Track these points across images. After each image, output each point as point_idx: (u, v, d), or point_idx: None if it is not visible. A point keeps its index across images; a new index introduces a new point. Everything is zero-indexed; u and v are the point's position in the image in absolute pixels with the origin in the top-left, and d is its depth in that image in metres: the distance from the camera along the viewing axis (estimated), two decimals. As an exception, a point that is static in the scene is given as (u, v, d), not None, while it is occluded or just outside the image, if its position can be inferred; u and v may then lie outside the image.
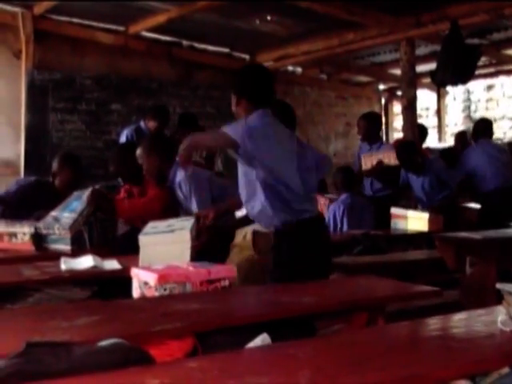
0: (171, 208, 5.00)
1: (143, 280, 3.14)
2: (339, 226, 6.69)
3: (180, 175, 4.90)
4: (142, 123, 7.07)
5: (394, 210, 6.70)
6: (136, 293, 3.22)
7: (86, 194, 4.94)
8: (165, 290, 3.04)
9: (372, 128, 7.54)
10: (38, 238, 4.63)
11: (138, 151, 4.99)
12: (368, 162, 7.31)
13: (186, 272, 3.17)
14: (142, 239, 3.96)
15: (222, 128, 3.68)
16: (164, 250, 3.79)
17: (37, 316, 2.69)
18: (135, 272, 3.24)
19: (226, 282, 3.17)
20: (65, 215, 4.72)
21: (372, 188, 7.46)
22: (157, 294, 3.03)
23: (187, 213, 5.01)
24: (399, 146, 7.28)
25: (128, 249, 4.38)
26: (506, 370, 2.07)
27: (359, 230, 6.26)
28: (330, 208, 6.88)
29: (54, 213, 4.81)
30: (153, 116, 6.79)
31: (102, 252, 4.27)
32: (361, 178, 7.39)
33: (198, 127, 6.96)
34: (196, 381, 1.81)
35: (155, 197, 5.09)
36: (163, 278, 3.05)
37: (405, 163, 6.97)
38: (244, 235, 4.44)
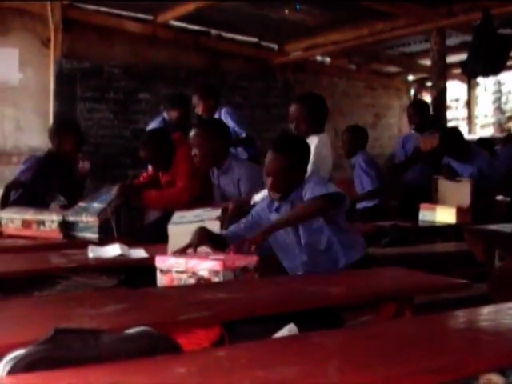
0: (201, 199, 4.99)
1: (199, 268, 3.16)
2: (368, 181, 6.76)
3: (240, 171, 4.86)
4: (164, 114, 7.03)
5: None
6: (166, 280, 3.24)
7: (115, 188, 4.98)
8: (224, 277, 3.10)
9: (423, 116, 7.45)
10: (66, 226, 4.65)
11: (194, 135, 4.96)
12: (428, 144, 7.17)
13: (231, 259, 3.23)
14: (172, 229, 3.97)
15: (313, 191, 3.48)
16: None
17: (64, 303, 2.70)
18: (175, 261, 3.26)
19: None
20: (94, 205, 4.75)
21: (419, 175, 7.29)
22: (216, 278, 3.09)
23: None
24: (445, 131, 7.16)
25: (157, 237, 4.39)
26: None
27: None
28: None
29: (82, 203, 4.85)
30: (173, 105, 6.72)
31: (129, 241, 4.28)
32: (407, 166, 7.24)
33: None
34: (224, 370, 1.80)
35: (184, 188, 5.07)
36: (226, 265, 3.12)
37: (449, 149, 6.84)
38: None
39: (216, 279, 3.10)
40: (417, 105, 7.76)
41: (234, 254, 3.29)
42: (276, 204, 3.67)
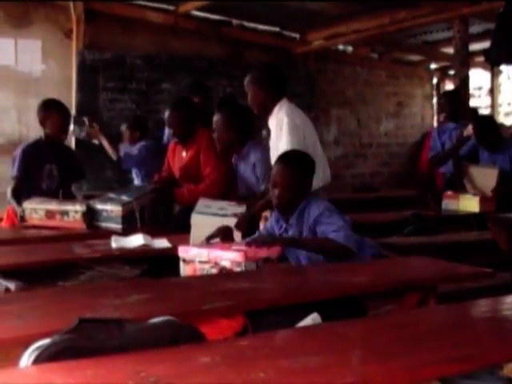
0: (227, 194, 5.00)
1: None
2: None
3: (255, 155, 4.88)
4: None
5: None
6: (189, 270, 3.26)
7: (147, 186, 5.03)
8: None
9: (456, 105, 7.40)
10: (90, 215, 4.68)
11: (217, 119, 4.98)
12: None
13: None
14: (195, 218, 3.98)
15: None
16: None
17: (88, 293, 2.72)
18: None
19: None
20: (121, 197, 4.77)
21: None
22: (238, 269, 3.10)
23: (248, 190, 5.03)
24: (478, 119, 7.10)
25: (180, 227, 4.40)
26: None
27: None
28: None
29: (111, 194, 4.88)
30: (193, 93, 6.68)
31: (153, 231, 4.29)
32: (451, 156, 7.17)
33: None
34: (247, 359, 1.81)
35: (214, 181, 5.06)
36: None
37: (481, 138, 6.77)
38: None
39: (238, 270, 3.11)
40: (449, 94, 7.70)
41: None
42: (283, 226, 3.67)
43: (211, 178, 5.07)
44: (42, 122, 5.46)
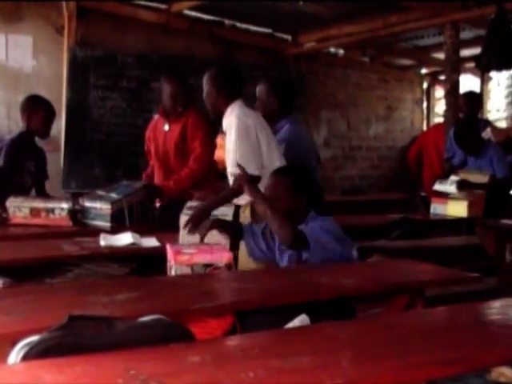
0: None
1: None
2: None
3: (280, 135, 4.78)
4: None
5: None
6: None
7: (136, 184, 5.00)
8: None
9: (474, 107, 7.43)
10: (79, 213, 4.67)
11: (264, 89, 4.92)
12: (498, 135, 7.10)
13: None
14: (184, 219, 3.98)
15: None
16: None
17: (77, 291, 2.71)
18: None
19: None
20: (110, 195, 4.75)
21: None
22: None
23: None
24: (457, 123, 7.10)
25: (164, 224, 4.40)
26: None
27: None
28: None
29: (100, 192, 4.86)
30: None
31: (141, 229, 4.29)
32: None
33: None
34: (237, 358, 1.81)
35: (199, 158, 5.02)
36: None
37: (461, 141, 6.76)
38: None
39: (172, 272, 3.10)
40: (469, 95, 7.71)
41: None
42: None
43: (196, 154, 5.08)
44: (28, 118, 5.38)
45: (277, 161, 4.11)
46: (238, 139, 4.06)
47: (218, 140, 5.05)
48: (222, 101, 4.30)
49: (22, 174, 5.27)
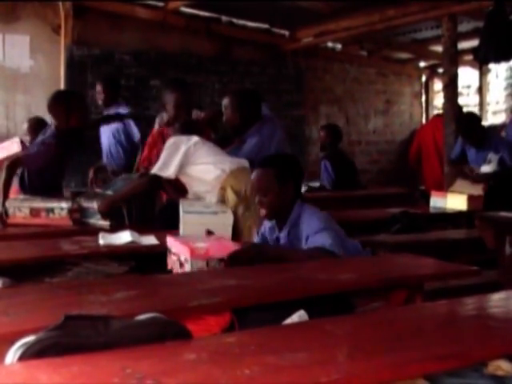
0: None
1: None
2: None
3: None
4: None
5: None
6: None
7: (133, 176, 4.99)
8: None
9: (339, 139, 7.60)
10: (78, 212, 4.66)
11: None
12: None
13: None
14: (186, 217, 3.99)
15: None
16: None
17: (75, 290, 2.71)
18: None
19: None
20: (108, 193, 4.75)
21: None
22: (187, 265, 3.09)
23: None
24: (462, 117, 7.10)
25: (165, 224, 4.40)
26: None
27: None
28: None
29: (98, 189, 4.86)
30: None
31: (140, 228, 4.29)
32: None
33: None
34: (234, 356, 1.81)
35: None
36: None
37: (467, 135, 6.78)
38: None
39: (187, 266, 3.11)
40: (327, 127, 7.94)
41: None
42: (275, 234, 3.67)
43: None
44: (66, 118, 5.20)
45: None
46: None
47: None
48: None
49: (63, 169, 5.34)
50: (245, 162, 4.41)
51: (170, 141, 4.46)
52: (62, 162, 5.26)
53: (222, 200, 4.27)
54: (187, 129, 4.73)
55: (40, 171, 5.13)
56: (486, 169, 6.64)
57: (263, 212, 3.60)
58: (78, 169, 7.70)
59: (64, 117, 5.20)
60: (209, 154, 4.35)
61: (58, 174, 5.28)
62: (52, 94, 5.49)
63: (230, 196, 4.23)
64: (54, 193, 4.97)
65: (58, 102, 5.31)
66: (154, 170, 4.38)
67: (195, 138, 4.42)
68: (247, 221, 4.19)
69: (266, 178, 3.55)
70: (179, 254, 3.21)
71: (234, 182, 4.26)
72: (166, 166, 4.34)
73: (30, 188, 5.06)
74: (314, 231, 3.39)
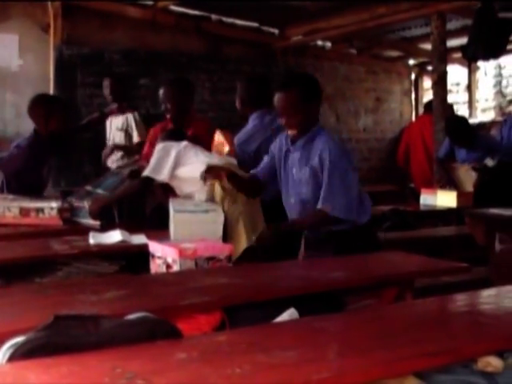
0: None
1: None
2: None
3: None
4: None
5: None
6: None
7: (124, 172, 4.97)
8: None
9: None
10: (68, 211, 4.65)
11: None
12: None
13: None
14: (178, 216, 3.98)
15: None
16: (197, 229, 3.82)
17: (66, 289, 2.71)
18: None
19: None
20: (98, 191, 4.73)
21: None
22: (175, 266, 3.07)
23: None
24: (450, 121, 7.13)
25: (157, 224, 4.39)
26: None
27: None
28: None
29: (88, 187, 4.84)
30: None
31: (131, 227, 4.28)
32: None
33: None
34: (224, 354, 1.81)
35: None
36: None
37: (456, 139, 6.80)
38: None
39: (175, 267, 3.10)
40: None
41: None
42: (286, 147, 3.82)
43: None
44: (45, 122, 5.23)
45: None
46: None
47: (216, 135, 5.05)
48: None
49: (41, 172, 5.29)
50: (233, 160, 4.41)
51: (160, 146, 4.45)
52: (39, 164, 5.24)
53: (212, 198, 4.27)
54: (174, 137, 4.73)
55: (17, 174, 5.15)
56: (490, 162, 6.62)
57: (293, 132, 3.70)
58: (67, 168, 7.71)
59: (43, 121, 5.24)
60: (197, 154, 4.35)
61: (36, 177, 5.26)
62: (32, 97, 5.47)
63: (217, 190, 4.25)
64: (34, 195, 4.94)
65: (37, 105, 5.33)
66: (146, 172, 4.36)
67: (184, 143, 4.42)
68: (234, 212, 4.20)
69: (291, 98, 3.64)
70: (165, 256, 3.19)
71: None
72: (158, 169, 4.33)
73: (9, 191, 5.05)
74: (327, 165, 3.56)
